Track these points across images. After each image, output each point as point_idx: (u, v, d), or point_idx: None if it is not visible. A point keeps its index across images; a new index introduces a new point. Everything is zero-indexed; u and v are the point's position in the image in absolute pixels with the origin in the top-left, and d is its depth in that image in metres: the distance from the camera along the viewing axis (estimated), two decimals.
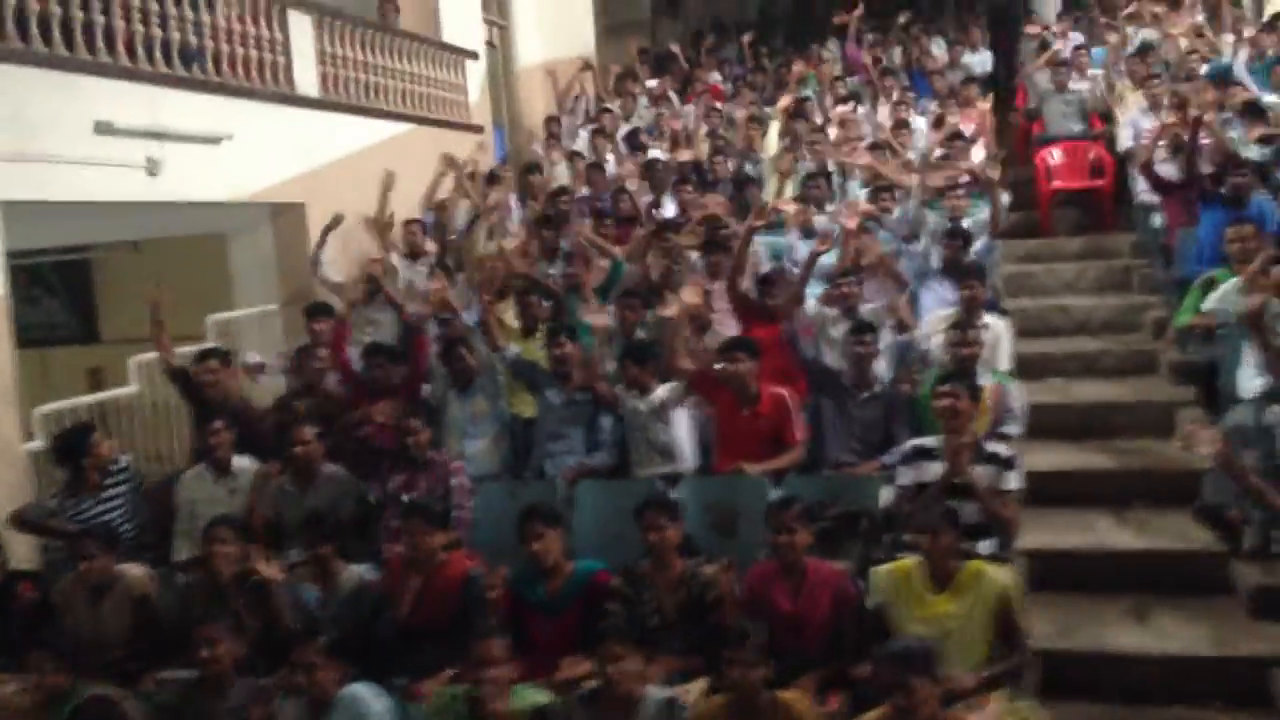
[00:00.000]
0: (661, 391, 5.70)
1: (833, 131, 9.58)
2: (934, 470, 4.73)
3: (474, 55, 11.31)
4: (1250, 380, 5.50)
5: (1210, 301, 5.83)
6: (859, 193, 8.41)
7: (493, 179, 9.14)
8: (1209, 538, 5.25)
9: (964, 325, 5.59)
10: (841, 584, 4.25)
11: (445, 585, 4.62)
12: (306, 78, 8.58)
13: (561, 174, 9.78)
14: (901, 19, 13.11)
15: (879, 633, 3.97)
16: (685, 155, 9.36)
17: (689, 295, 5.76)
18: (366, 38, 9.31)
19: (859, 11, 12.23)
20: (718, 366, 5.62)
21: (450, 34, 11.08)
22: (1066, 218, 9.90)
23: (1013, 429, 5.42)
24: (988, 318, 6.11)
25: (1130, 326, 7.94)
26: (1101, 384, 7.23)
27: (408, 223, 8.30)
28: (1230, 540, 5.14)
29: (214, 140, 7.47)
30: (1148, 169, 8.01)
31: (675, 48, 12.98)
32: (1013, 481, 4.68)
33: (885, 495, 5.10)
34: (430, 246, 8.17)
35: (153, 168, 6.82)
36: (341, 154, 8.85)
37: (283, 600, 4.61)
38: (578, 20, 13.79)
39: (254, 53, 7.94)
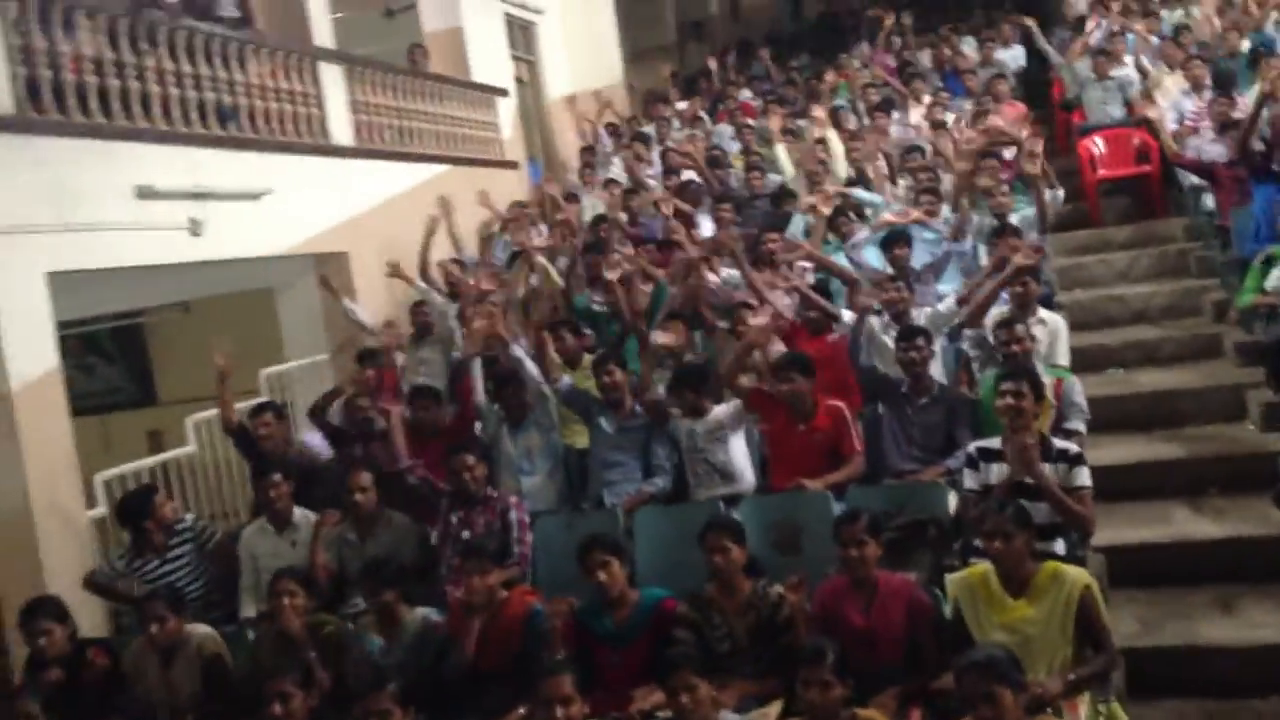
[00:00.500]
0: (719, 412, 5.64)
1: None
2: (999, 472, 4.61)
3: (504, 93, 11.40)
4: None
5: (1274, 278, 5.66)
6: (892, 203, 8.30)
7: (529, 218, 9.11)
8: None
9: (1011, 321, 5.45)
10: (914, 595, 4.15)
11: (508, 624, 4.56)
12: (341, 127, 8.68)
13: (597, 203, 9.76)
14: (941, 29, 12.95)
15: (957, 643, 3.85)
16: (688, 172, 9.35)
17: (763, 332, 5.69)
18: (397, 84, 9.41)
19: (890, 22, 12.17)
20: (775, 387, 5.54)
21: (479, 73, 11.18)
22: (1115, 206, 9.72)
23: (1077, 424, 5.27)
24: (1043, 313, 5.97)
25: (1190, 311, 7.75)
26: (1164, 371, 7.05)
27: (446, 262, 8.31)
28: None
29: (254, 196, 7.56)
30: (1179, 157, 7.85)
31: (712, 64, 12.93)
32: (1083, 477, 4.54)
33: (952, 501, 5.00)
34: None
35: (195, 228, 6.90)
36: (380, 200, 8.94)
37: (353, 651, 4.59)
38: (604, 49, 13.88)
39: (288, 107, 8.05)
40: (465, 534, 5.27)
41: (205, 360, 6.37)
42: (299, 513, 5.69)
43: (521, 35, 12.87)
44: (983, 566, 3.98)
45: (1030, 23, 11.24)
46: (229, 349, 6.31)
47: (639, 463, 5.79)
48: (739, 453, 5.64)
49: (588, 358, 6.56)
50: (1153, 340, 7.40)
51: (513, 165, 11.21)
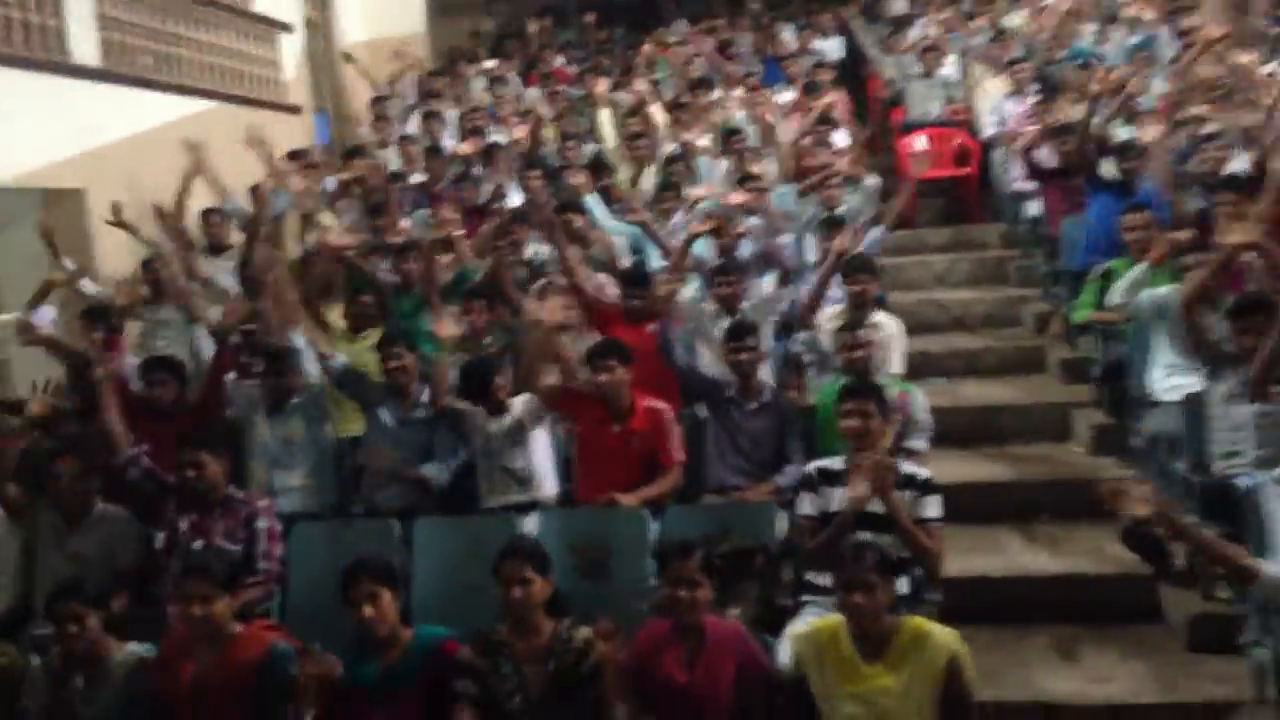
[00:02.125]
0: (517, 408, 4.85)
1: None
2: (842, 498, 4.02)
3: (287, 28, 10.18)
4: (1164, 380, 5.01)
5: (1117, 294, 5.32)
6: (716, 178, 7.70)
7: (296, 158, 7.94)
8: (1129, 557, 4.69)
9: (853, 325, 4.89)
10: (746, 648, 3.47)
11: (237, 668, 3.60)
12: (84, 44, 7.38)
13: (392, 159, 8.73)
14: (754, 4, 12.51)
15: (796, 710, 3.21)
16: (519, 132, 8.47)
17: (553, 312, 4.89)
18: (159, 1, 8.10)
19: None
20: (588, 378, 4.79)
21: (262, 3, 9.91)
22: (930, 207, 9.45)
23: (920, 442, 4.76)
24: (878, 315, 5.46)
25: (1010, 321, 7.48)
26: (987, 384, 6.70)
27: (206, 212, 7.14)
28: (1157, 561, 4.60)
29: None
30: (1028, 155, 7.58)
31: (534, 25, 11.88)
32: (934, 508, 4.00)
33: (780, 524, 4.38)
34: (237, 238, 7.05)
35: None
36: (129, 132, 7.65)
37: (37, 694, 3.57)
38: None
39: (16, 14, 6.70)
40: (197, 544, 4.26)
41: None
42: None
43: None
44: (833, 621, 3.33)
45: (849, 14, 10.93)
46: None
47: (418, 463, 4.93)
48: (539, 455, 4.88)
49: (373, 332, 5.64)
50: (975, 350, 7.06)
51: (295, 110, 10.01)
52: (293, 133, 9.61)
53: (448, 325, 5.21)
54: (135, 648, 3.79)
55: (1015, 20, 10.48)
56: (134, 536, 4.48)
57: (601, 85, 9.08)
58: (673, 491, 4.69)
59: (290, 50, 10.37)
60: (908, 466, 4.12)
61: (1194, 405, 4.54)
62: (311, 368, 5.27)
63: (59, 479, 4.41)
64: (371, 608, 3.51)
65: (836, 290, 5.76)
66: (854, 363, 4.73)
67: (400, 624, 3.63)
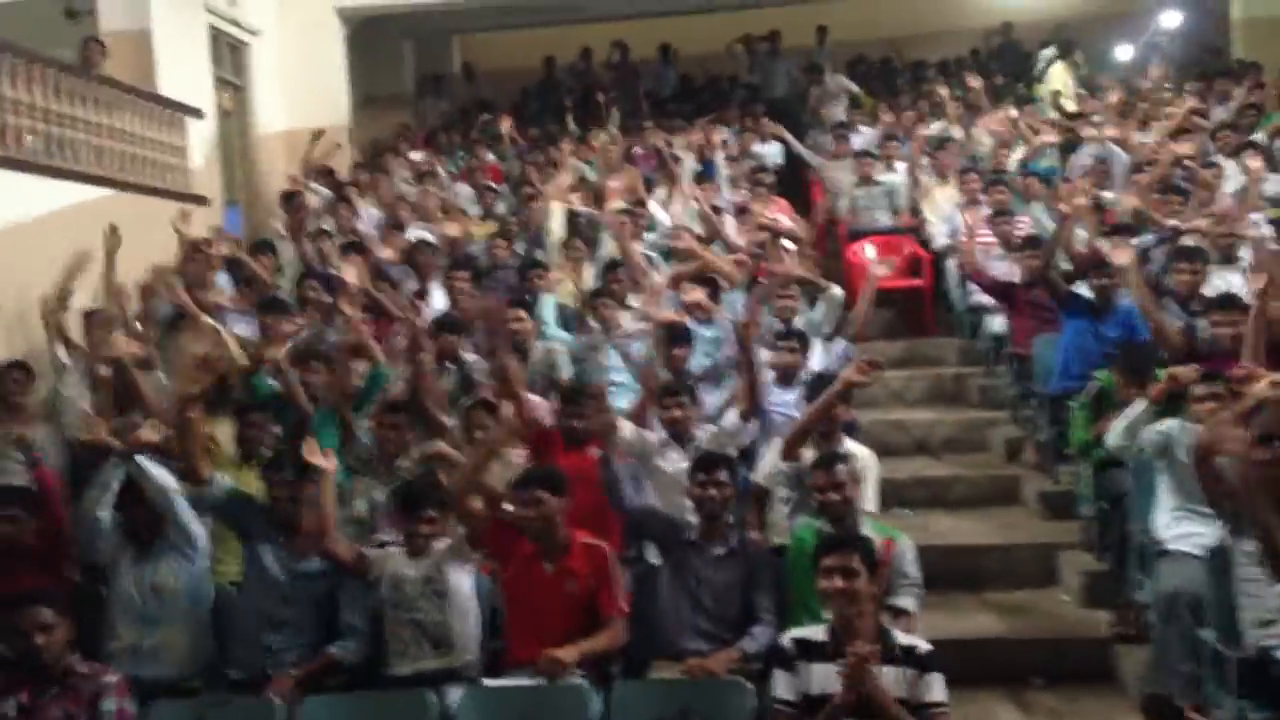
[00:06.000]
0: (439, 550, 4.10)
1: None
2: (822, 677, 3.34)
3: (198, 113, 9.46)
4: (1172, 527, 4.40)
5: (1115, 437, 4.69)
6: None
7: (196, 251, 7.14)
8: None
9: (831, 460, 4.22)
10: None
11: None
12: None
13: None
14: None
15: None
16: (452, 229, 7.82)
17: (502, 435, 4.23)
18: (49, 78, 7.35)
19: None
20: (513, 508, 4.08)
21: (170, 89, 9.20)
22: (880, 320, 8.95)
23: (908, 600, 4.09)
24: (849, 444, 4.82)
25: (976, 446, 6.94)
26: (957, 518, 6.10)
27: (88, 315, 6.31)
28: None
29: None
30: (980, 274, 7.15)
31: (505, 125, 11.06)
32: (937, 690, 3.33)
33: (749, 702, 3.66)
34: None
35: None
36: (7, 222, 6.82)
37: None
38: (329, 88, 12.10)
39: None
40: None
41: None
42: None
43: (230, 55, 10.95)
44: None
45: (781, 130, 10.60)
46: None
47: (315, 622, 4.14)
48: (461, 609, 4.11)
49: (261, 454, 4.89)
50: (942, 478, 6.48)
51: (202, 200, 9.24)
52: (200, 224, 8.84)
53: (324, 460, 4.33)
54: None
55: (955, 131, 10.20)
56: None
57: (563, 177, 8.52)
58: (615, 647, 3.97)
59: (200, 138, 9.65)
60: (905, 637, 3.45)
61: (1219, 562, 3.92)
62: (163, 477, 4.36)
63: None
64: None
65: (793, 409, 5.18)
66: (831, 506, 4.07)
67: None
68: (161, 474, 4.23)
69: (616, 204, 8.18)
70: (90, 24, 9.56)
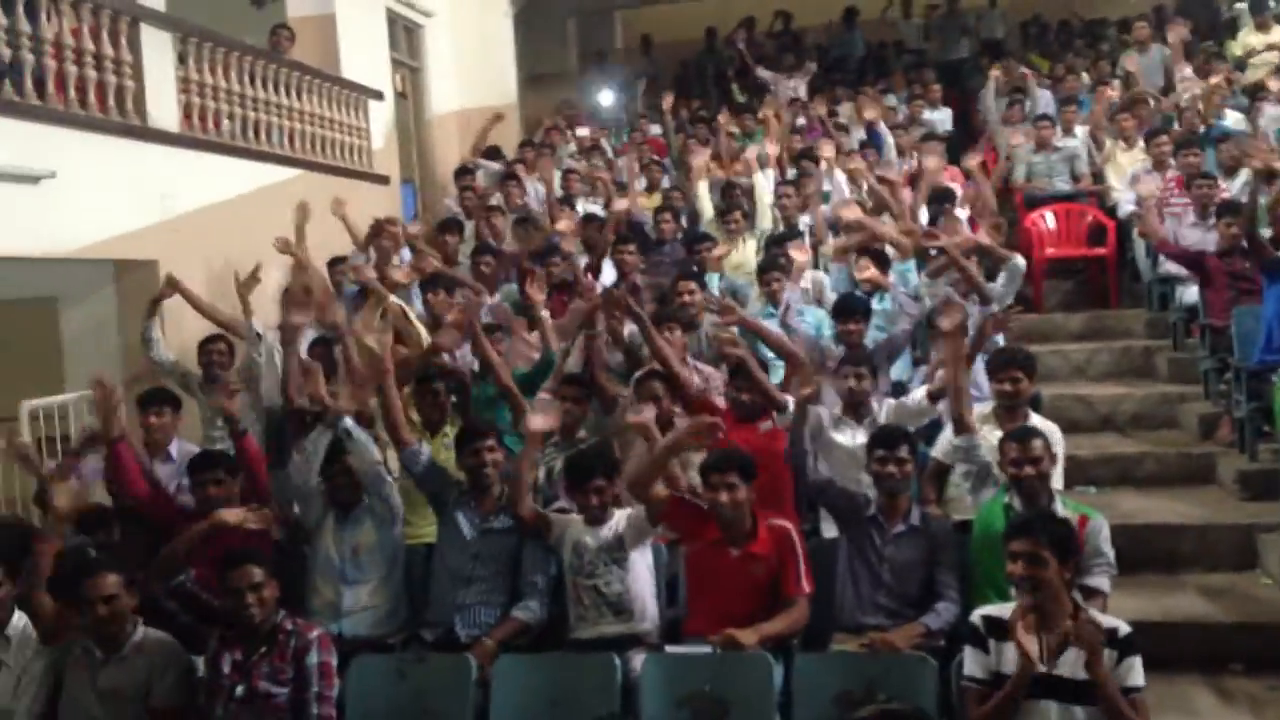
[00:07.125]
0: (619, 521, 4.17)
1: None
2: (1015, 655, 3.26)
3: (378, 95, 9.80)
4: None
5: None
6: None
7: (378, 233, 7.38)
8: None
9: (1027, 434, 4.08)
10: None
11: None
12: (163, 108, 6.99)
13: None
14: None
15: None
16: (620, 204, 7.88)
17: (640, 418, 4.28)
18: (244, 64, 7.74)
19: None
20: (702, 495, 4.09)
21: (352, 71, 9.56)
22: (1058, 290, 8.66)
23: (1101, 580, 3.95)
24: (1034, 418, 4.66)
25: (1166, 422, 6.63)
26: (1147, 497, 5.83)
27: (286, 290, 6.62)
28: None
29: (32, 179, 5.85)
30: (1166, 244, 6.81)
31: (667, 101, 11.10)
32: (1137, 674, 3.21)
33: (932, 679, 3.61)
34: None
35: None
36: (208, 201, 7.24)
37: None
38: (498, 68, 12.35)
39: (93, 73, 6.33)
40: (240, 689, 3.62)
41: None
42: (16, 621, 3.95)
43: (406, 38, 11.30)
44: None
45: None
46: None
47: (503, 580, 4.26)
48: (640, 579, 4.16)
49: (448, 428, 5.05)
50: (1130, 455, 6.20)
51: (383, 180, 9.60)
52: (379, 203, 9.19)
53: (536, 419, 4.50)
54: None
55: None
56: (176, 670, 3.81)
57: (700, 157, 8.46)
58: (799, 629, 3.95)
59: (380, 118, 10.00)
60: (1107, 620, 3.34)
61: None
62: (368, 444, 4.55)
63: (93, 603, 3.77)
64: None
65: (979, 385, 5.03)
66: (1025, 482, 3.94)
67: None
68: (366, 439, 4.42)
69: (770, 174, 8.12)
70: (274, 11, 10.01)
